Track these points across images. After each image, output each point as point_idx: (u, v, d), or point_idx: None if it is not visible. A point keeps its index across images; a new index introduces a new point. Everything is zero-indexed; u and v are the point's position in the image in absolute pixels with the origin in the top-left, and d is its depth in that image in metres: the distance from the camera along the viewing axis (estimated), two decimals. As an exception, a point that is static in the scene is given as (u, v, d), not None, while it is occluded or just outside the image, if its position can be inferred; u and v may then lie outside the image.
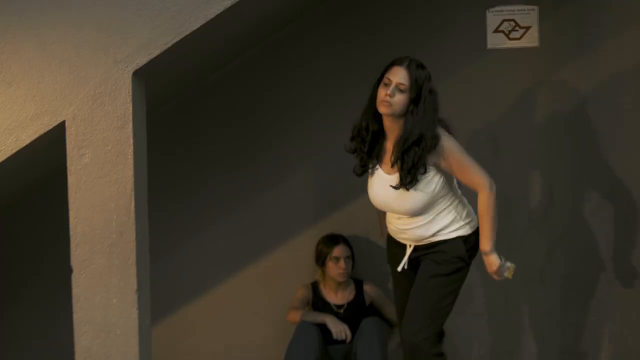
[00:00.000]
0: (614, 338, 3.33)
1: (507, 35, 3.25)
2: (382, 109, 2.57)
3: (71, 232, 2.33)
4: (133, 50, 2.28)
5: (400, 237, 2.77)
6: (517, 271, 3.39)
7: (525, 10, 3.24)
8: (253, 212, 3.41)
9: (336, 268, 3.19)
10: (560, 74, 3.26)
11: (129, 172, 2.31)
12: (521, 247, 3.33)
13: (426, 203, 2.61)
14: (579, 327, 3.34)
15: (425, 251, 2.71)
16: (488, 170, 2.61)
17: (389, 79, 2.56)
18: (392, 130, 2.62)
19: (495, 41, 3.26)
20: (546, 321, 3.35)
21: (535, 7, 3.23)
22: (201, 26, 2.27)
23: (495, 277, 2.69)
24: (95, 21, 2.29)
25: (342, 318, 3.20)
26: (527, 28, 3.24)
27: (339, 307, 3.25)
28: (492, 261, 2.64)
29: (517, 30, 3.24)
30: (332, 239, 3.24)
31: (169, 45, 2.27)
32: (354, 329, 3.16)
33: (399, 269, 2.77)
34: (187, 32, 2.26)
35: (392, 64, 2.59)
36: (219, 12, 2.26)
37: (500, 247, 3.31)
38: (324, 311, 3.23)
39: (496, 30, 3.25)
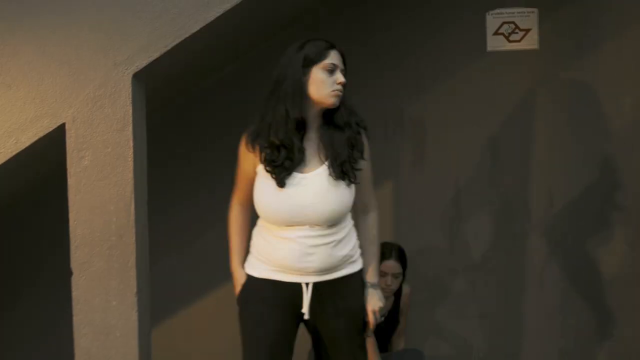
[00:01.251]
0: (614, 340, 3.33)
1: (507, 38, 3.24)
2: (332, 101, 2.06)
3: (71, 235, 2.33)
4: (133, 52, 2.28)
5: (301, 267, 2.11)
6: (518, 272, 3.39)
7: (525, 12, 3.24)
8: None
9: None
10: (560, 75, 3.26)
11: (129, 175, 2.30)
12: (521, 249, 3.33)
13: (348, 204, 2.14)
14: (579, 329, 3.34)
15: (327, 295, 2.15)
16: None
17: (333, 65, 2.06)
18: (313, 124, 2.13)
19: (495, 44, 3.25)
20: (546, 323, 3.35)
21: (535, 10, 3.23)
22: (201, 29, 2.27)
23: (373, 317, 2.18)
24: (95, 23, 2.29)
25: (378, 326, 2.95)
26: (527, 30, 3.24)
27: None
28: (381, 296, 2.21)
29: (516, 33, 3.24)
30: (384, 252, 2.81)
31: (169, 47, 2.27)
32: (388, 336, 3.02)
33: (306, 317, 2.14)
34: (187, 35, 2.27)
35: (328, 47, 2.08)
36: (218, 14, 2.26)
37: (500, 250, 3.33)
38: None
39: (496, 33, 3.25)
